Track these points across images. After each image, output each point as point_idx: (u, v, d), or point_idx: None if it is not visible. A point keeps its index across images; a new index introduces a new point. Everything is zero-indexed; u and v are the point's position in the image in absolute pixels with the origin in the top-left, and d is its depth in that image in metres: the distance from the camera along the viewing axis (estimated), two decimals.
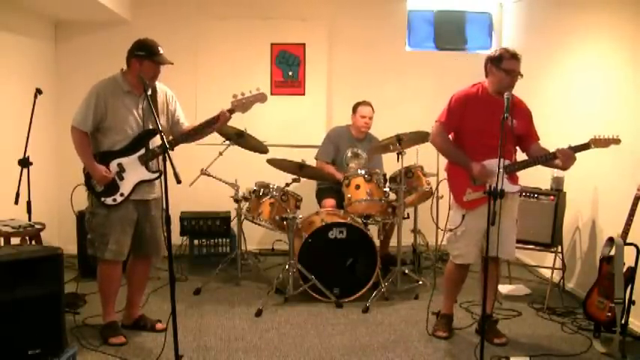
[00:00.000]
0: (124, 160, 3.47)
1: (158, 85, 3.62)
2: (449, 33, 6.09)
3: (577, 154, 3.43)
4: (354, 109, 5.20)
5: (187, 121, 3.79)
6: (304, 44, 5.80)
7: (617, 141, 3.44)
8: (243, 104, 3.56)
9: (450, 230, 3.67)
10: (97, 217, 3.52)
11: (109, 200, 3.47)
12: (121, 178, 3.47)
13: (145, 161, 3.49)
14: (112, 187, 3.47)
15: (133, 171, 3.48)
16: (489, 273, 3.48)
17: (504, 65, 3.49)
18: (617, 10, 4.15)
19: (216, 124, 3.57)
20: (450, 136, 3.68)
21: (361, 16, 5.87)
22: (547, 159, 3.49)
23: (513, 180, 3.61)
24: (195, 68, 5.69)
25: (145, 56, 3.41)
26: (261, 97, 3.59)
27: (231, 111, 3.57)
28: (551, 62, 5.06)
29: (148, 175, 3.52)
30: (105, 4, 4.60)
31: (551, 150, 3.49)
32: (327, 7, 5.82)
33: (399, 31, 5.98)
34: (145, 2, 5.51)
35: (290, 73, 5.82)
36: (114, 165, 3.46)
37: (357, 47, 5.90)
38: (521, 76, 3.53)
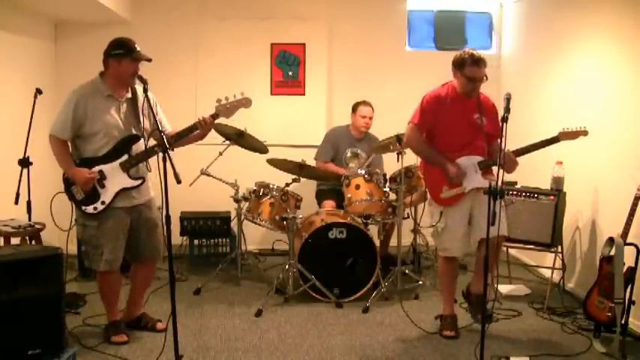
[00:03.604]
0: (105, 167, 3.40)
1: (137, 87, 3.50)
2: (449, 33, 6.09)
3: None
4: (354, 108, 5.20)
5: (182, 123, 3.74)
6: (304, 44, 5.80)
7: (584, 132, 3.57)
8: (227, 109, 3.52)
9: (432, 226, 3.78)
10: (88, 229, 3.46)
11: (89, 209, 3.40)
12: (102, 186, 3.40)
13: (126, 168, 3.42)
14: (93, 195, 3.39)
15: (114, 178, 3.41)
16: (482, 254, 3.63)
17: (466, 72, 3.53)
18: (617, 10, 4.15)
19: (196, 131, 3.50)
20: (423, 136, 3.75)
21: (361, 16, 5.87)
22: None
23: (486, 175, 3.68)
24: (196, 68, 5.69)
25: (123, 54, 3.34)
26: (245, 102, 3.55)
27: (215, 116, 3.52)
28: (551, 62, 5.06)
29: (130, 183, 3.44)
30: (105, 4, 4.60)
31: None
32: (327, 7, 5.82)
33: (399, 31, 5.98)
34: (145, 2, 5.51)
35: (290, 73, 5.82)
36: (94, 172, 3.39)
37: (357, 47, 5.90)
38: (486, 79, 3.56)
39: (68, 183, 3.44)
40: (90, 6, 4.66)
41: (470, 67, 3.52)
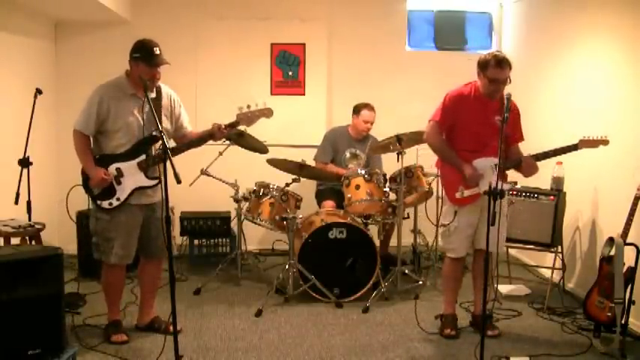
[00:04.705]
0: (122, 165, 3.43)
1: (163, 87, 3.58)
2: (449, 33, 6.09)
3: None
4: (357, 110, 5.15)
5: (190, 125, 3.77)
6: (304, 44, 5.79)
7: (605, 142, 3.55)
8: (248, 117, 3.52)
9: (444, 225, 3.76)
10: (100, 221, 3.50)
11: (104, 204, 3.44)
12: (119, 183, 3.44)
13: (144, 168, 3.45)
14: (109, 191, 3.44)
15: (131, 177, 3.44)
16: (478, 265, 3.69)
17: (488, 73, 3.51)
18: (617, 10, 4.15)
19: (211, 139, 3.54)
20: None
21: (361, 16, 5.87)
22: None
23: (503, 178, 3.65)
24: (196, 68, 5.69)
25: (139, 58, 3.37)
26: (267, 112, 3.55)
27: (235, 124, 3.52)
28: (551, 62, 5.06)
29: (146, 182, 3.47)
30: (105, 4, 4.60)
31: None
32: (326, 7, 5.82)
33: (399, 31, 5.98)
34: (145, 2, 5.51)
35: (290, 73, 5.82)
36: (112, 169, 3.43)
37: (357, 47, 5.90)
38: (509, 82, 3.54)
39: (86, 176, 3.47)
40: (90, 6, 4.65)
41: (493, 69, 3.49)
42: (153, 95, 3.50)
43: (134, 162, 3.44)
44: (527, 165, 3.55)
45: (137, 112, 3.46)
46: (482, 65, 3.54)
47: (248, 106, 3.53)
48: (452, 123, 3.67)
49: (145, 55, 3.37)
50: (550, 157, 3.61)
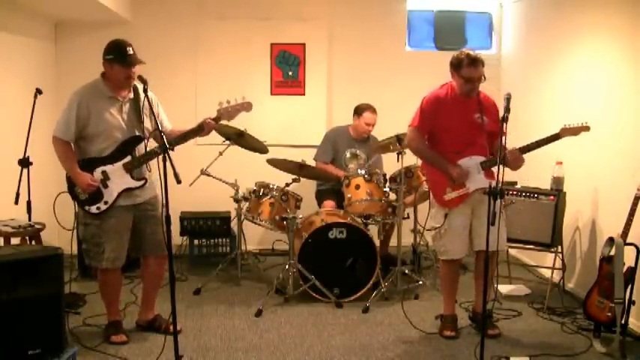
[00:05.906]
0: (108, 168, 3.42)
1: (139, 87, 3.48)
2: (449, 33, 6.09)
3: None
4: (359, 112, 5.13)
5: (182, 123, 3.75)
6: (304, 44, 5.79)
7: (586, 128, 3.53)
8: (228, 112, 3.53)
9: (434, 229, 3.75)
10: (89, 227, 3.48)
11: (92, 209, 3.42)
12: (105, 186, 3.42)
13: (129, 169, 3.44)
14: (96, 196, 3.42)
15: (118, 179, 3.43)
16: (480, 266, 3.65)
17: (463, 72, 3.52)
18: (617, 10, 4.15)
19: (200, 133, 3.53)
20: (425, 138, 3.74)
21: (361, 16, 5.87)
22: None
23: (489, 175, 3.65)
24: (195, 68, 5.69)
25: (113, 60, 3.35)
26: (246, 106, 3.56)
27: (216, 119, 3.53)
28: (550, 62, 5.06)
29: (133, 184, 3.46)
30: (105, 4, 4.60)
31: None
32: (327, 7, 5.81)
33: (399, 31, 5.98)
34: (145, 2, 5.51)
35: (290, 73, 5.81)
36: (98, 173, 3.41)
37: (357, 47, 5.90)
38: (484, 79, 3.54)
39: (71, 183, 3.45)
40: (90, 6, 4.65)
41: (467, 68, 3.50)
42: (131, 96, 3.49)
43: (119, 164, 3.43)
44: (513, 158, 3.51)
45: (117, 113, 3.44)
46: (456, 65, 3.55)
47: (228, 101, 3.54)
48: (432, 126, 3.67)
49: (118, 56, 3.35)
50: (534, 148, 3.56)
